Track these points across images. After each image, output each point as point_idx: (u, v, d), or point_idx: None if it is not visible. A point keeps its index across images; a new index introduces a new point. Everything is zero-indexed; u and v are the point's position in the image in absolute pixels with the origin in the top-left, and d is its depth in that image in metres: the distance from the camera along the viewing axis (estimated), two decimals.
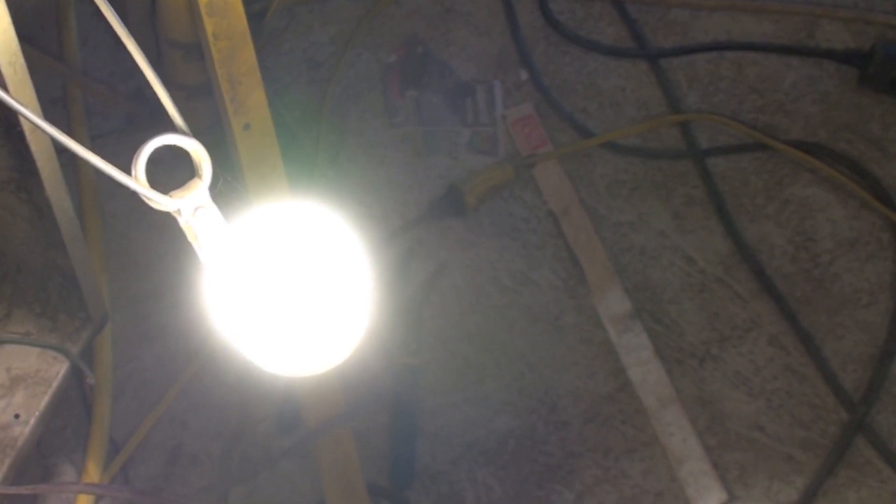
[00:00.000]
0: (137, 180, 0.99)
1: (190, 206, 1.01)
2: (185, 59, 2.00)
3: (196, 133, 1.02)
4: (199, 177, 1.02)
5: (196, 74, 2.03)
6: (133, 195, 2.14)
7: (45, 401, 1.77)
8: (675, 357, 2.25)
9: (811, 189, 2.34)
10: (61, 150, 1.50)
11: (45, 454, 2.15)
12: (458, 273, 2.31)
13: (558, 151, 2.38)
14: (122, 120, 2.35)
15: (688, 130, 2.39)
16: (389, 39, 2.48)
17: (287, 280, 1.01)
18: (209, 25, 1.60)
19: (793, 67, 2.44)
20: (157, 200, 1.00)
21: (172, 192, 1.01)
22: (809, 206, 2.33)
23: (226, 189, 1.07)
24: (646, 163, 2.39)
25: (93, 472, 2.10)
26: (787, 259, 2.30)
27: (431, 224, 2.34)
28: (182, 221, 1.02)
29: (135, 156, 1.00)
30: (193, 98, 2.07)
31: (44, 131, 0.99)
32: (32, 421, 1.76)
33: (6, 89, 1.01)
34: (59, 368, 1.79)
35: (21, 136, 1.32)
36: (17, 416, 1.76)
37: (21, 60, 1.19)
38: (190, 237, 1.03)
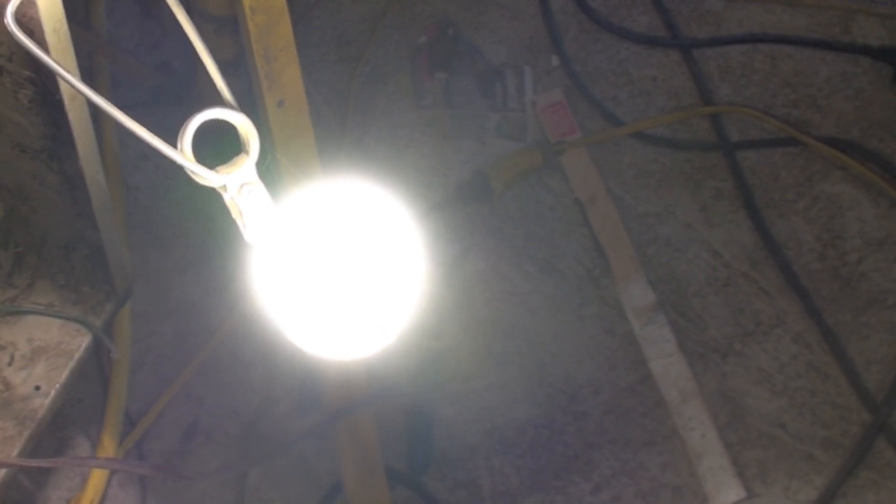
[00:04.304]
0: (183, 154, 0.97)
1: (236, 182, 0.99)
2: (217, 32, 1.98)
3: None
4: (247, 153, 1.00)
5: (226, 49, 2.01)
6: (156, 168, 2.11)
7: (66, 373, 1.75)
8: (698, 351, 2.23)
9: (842, 186, 2.32)
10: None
11: (59, 426, 2.14)
12: (482, 259, 2.29)
13: (587, 139, 2.36)
14: (149, 92, 2.33)
15: (718, 123, 2.37)
16: (420, 20, 2.46)
17: (336, 262, 0.99)
18: None
19: (827, 63, 2.41)
20: (203, 175, 0.98)
21: (219, 168, 0.99)
22: (839, 203, 2.30)
23: (273, 166, 1.05)
24: (675, 154, 2.37)
25: (108, 446, 2.09)
26: (814, 256, 2.27)
27: (457, 208, 2.32)
28: (227, 198, 1.00)
29: (182, 129, 0.98)
30: (222, 73, 2.05)
31: (87, 98, 0.97)
32: (53, 393, 1.74)
33: (50, 56, 0.99)
34: (81, 341, 1.77)
35: (58, 104, 1.30)
36: (37, 388, 1.74)
37: (65, 28, 1.17)
38: (234, 214, 1.01)
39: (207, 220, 2.15)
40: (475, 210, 2.32)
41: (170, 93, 2.30)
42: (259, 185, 0.99)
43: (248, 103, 1.83)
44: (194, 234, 2.23)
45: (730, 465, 2.16)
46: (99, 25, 2.28)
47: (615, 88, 2.42)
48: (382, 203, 1.01)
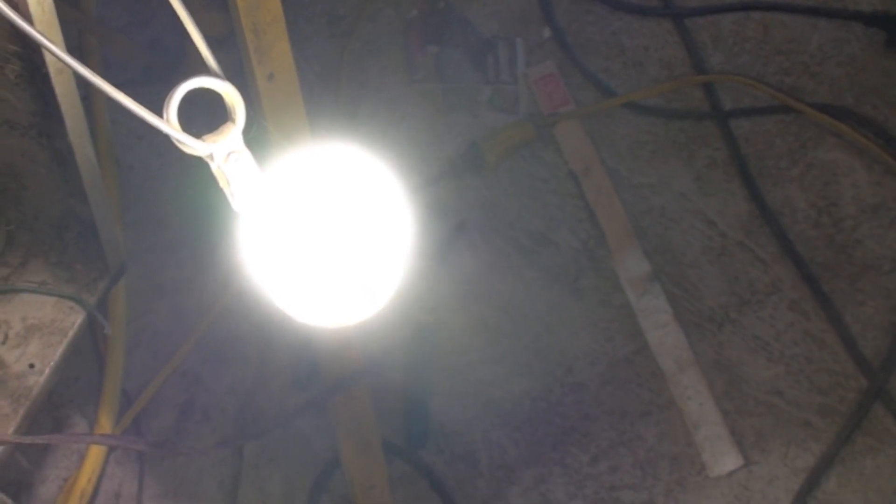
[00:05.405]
0: (169, 123, 0.97)
1: (223, 151, 0.99)
2: (206, 8, 1.98)
3: None
4: (233, 121, 1.00)
5: (216, 25, 2.00)
6: (150, 147, 2.10)
7: (60, 351, 1.76)
8: (694, 321, 2.23)
9: (835, 153, 2.31)
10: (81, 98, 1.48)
11: (55, 405, 2.14)
12: (476, 232, 2.29)
13: (580, 111, 2.35)
14: (139, 70, 2.32)
15: (711, 91, 2.36)
16: None
17: (323, 229, 0.98)
18: None
19: (819, 29, 2.40)
20: (189, 144, 0.98)
21: (205, 136, 0.99)
22: (833, 170, 2.30)
23: (260, 134, 1.05)
24: (668, 124, 2.36)
25: (105, 424, 2.09)
26: (809, 223, 2.27)
27: (450, 182, 2.32)
28: (214, 167, 1.00)
29: (167, 98, 0.97)
30: (211, 49, 2.04)
31: (72, 69, 0.97)
32: (47, 371, 1.74)
33: (34, 27, 0.99)
34: (74, 319, 1.78)
35: (45, 79, 1.30)
36: (31, 366, 1.74)
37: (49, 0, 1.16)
38: (221, 183, 1.00)
39: (201, 198, 2.15)
40: (469, 183, 2.32)
41: (161, 70, 2.29)
42: (246, 154, 0.99)
43: (241, 79, 1.82)
44: (188, 212, 2.23)
45: (727, 433, 2.16)
46: (88, 4, 2.27)
47: (607, 59, 2.41)
48: (368, 166, 1.01)
